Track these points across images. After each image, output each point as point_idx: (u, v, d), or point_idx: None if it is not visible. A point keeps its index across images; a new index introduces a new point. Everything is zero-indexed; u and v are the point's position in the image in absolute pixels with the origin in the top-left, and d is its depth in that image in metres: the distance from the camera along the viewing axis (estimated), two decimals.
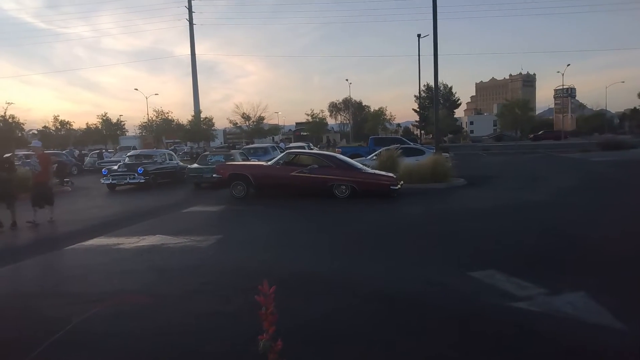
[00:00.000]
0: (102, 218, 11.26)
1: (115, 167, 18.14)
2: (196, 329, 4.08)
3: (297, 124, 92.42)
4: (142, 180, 17.05)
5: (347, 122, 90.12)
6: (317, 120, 67.85)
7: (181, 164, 21.27)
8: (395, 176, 13.56)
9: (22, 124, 53.54)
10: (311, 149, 30.42)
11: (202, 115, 49.40)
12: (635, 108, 73.19)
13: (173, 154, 21.86)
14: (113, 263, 6.65)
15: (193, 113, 50.97)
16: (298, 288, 5.11)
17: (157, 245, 7.68)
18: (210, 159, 18.64)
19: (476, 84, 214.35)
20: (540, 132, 66.02)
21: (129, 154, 21.49)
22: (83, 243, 8.01)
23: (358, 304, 4.64)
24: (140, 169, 17.19)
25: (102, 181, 17.43)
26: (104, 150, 39.73)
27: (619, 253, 6.45)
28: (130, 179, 17.11)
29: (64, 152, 34.68)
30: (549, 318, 4.12)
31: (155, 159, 18.96)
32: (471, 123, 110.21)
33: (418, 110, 74.31)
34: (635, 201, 11.55)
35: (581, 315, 4.14)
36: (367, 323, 4.16)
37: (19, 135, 51.99)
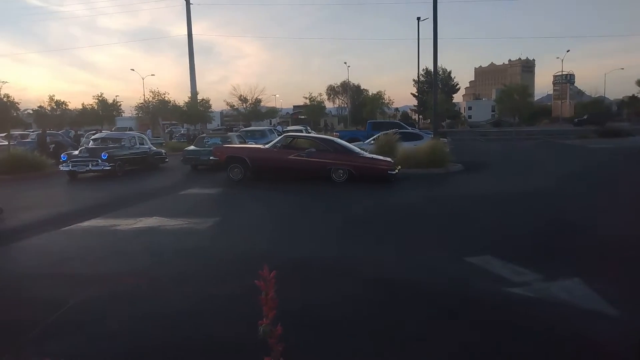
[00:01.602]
0: (98, 199, 11.23)
1: (76, 152, 16.15)
2: (193, 311, 4.09)
3: (295, 107, 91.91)
4: (107, 168, 15.24)
5: (345, 105, 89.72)
6: (315, 103, 67.44)
7: (154, 148, 19.20)
8: (393, 161, 13.55)
9: (17, 103, 52.90)
10: (309, 133, 30.31)
11: (199, 97, 49.03)
12: (633, 95, 73.05)
13: (145, 137, 19.49)
14: (110, 244, 6.66)
15: (190, 94, 50.57)
16: (295, 272, 5.13)
17: (154, 227, 7.67)
18: (208, 141, 18.56)
19: (475, 68, 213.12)
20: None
21: (93, 137, 19.16)
22: (80, 224, 8.00)
23: (355, 289, 4.66)
24: (104, 155, 15.25)
25: (61, 168, 15.55)
26: (100, 131, 39.47)
27: (614, 240, 6.49)
28: (92, 165, 15.20)
29: (60, 132, 34.50)
30: (545, 304, 4.16)
31: (123, 143, 16.99)
32: (469, 108, 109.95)
33: (416, 94, 74.09)
34: (633, 189, 11.58)
35: (576, 302, 4.18)
36: (364, 308, 4.18)
37: (14, 114, 51.53)
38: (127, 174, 15.99)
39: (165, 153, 19.68)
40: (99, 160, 15.19)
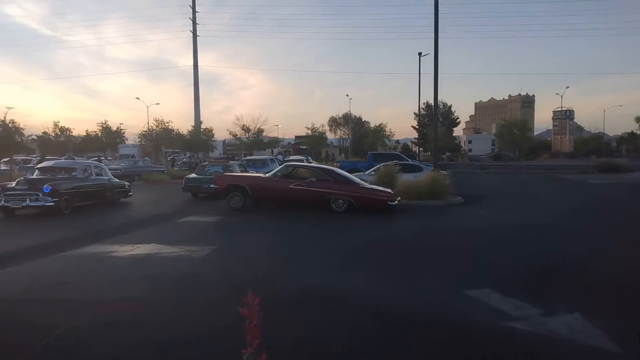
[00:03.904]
0: (97, 224, 11.21)
1: (13, 184, 13.26)
2: (187, 339, 4.02)
3: (296, 137, 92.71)
4: (50, 204, 12.40)
5: (347, 137, 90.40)
6: (317, 134, 67.98)
7: (115, 180, 16.41)
8: (392, 192, 13.55)
9: (22, 129, 53.45)
10: (310, 163, 30.45)
11: (203, 126, 49.48)
12: (632, 132, 73.67)
13: (104, 167, 16.75)
14: (106, 270, 6.60)
15: (193, 123, 51.04)
16: (291, 302, 5.06)
17: (151, 254, 7.62)
18: (209, 170, 18.62)
19: (475, 103, 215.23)
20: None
21: (38, 165, 16.39)
22: (76, 250, 7.95)
23: (352, 320, 4.58)
24: (46, 188, 12.45)
25: None
26: (102, 158, 39.71)
27: (614, 275, 6.43)
28: (30, 200, 12.37)
29: (62, 158, 34.72)
30: (544, 339, 4.09)
31: (74, 174, 14.24)
32: (469, 142, 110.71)
33: (417, 127, 74.79)
34: (633, 224, 11.54)
35: (576, 337, 4.11)
36: (360, 340, 4.11)
37: (19, 140, 51.95)
38: (76, 211, 13.30)
39: (128, 185, 17.11)
40: (40, 194, 12.42)
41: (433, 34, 18.81)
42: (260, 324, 1.63)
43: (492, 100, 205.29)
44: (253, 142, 53.95)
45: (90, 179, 14.74)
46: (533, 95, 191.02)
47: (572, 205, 15.01)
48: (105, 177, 15.70)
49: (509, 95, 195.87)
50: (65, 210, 13.00)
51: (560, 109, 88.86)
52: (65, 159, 33.95)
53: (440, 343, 4.05)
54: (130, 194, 16.96)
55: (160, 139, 45.30)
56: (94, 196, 14.81)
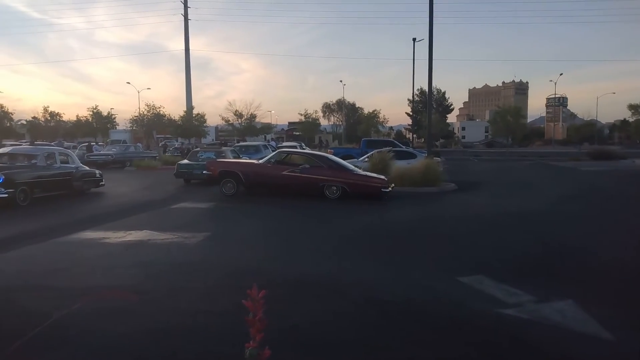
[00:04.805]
0: (89, 210, 11.11)
1: None
2: (180, 327, 4.00)
3: (289, 123, 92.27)
4: (3, 195, 11.03)
5: (340, 123, 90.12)
6: (310, 120, 67.74)
7: (84, 167, 14.89)
8: (386, 179, 13.53)
9: (11, 113, 52.91)
10: (303, 149, 30.35)
11: (195, 112, 49.13)
12: (625, 119, 74.06)
13: (71, 153, 15.27)
14: (98, 257, 6.54)
15: (185, 109, 50.63)
16: (285, 290, 5.05)
17: (143, 240, 7.57)
18: (201, 156, 18.50)
19: (469, 90, 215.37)
20: None
21: None
22: (69, 236, 7.88)
23: (346, 308, 4.58)
24: None
25: None
26: (93, 143, 39.30)
27: (607, 262, 6.47)
28: None
29: (52, 143, 34.37)
30: (537, 326, 4.10)
31: (34, 161, 12.69)
32: (463, 129, 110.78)
33: (411, 114, 74.67)
34: (624, 210, 11.62)
35: (569, 324, 4.13)
36: (354, 328, 4.10)
37: (8, 125, 51.33)
38: (37, 203, 11.91)
39: (100, 174, 15.31)
40: None
41: (428, 19, 18.68)
42: (265, 317, 1.58)
43: (485, 87, 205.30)
44: (246, 127, 53.71)
45: (54, 167, 13.21)
46: (527, 82, 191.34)
47: (564, 192, 15.09)
48: (73, 165, 14.14)
49: (503, 82, 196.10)
50: (23, 202, 11.57)
51: (553, 95, 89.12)
52: (55, 144, 33.59)
53: (432, 330, 4.05)
54: (102, 183, 15.31)
55: (151, 124, 44.96)
56: (59, 186, 13.35)
